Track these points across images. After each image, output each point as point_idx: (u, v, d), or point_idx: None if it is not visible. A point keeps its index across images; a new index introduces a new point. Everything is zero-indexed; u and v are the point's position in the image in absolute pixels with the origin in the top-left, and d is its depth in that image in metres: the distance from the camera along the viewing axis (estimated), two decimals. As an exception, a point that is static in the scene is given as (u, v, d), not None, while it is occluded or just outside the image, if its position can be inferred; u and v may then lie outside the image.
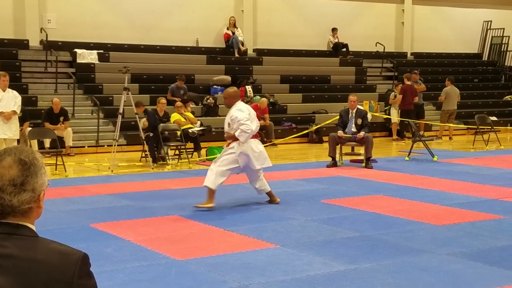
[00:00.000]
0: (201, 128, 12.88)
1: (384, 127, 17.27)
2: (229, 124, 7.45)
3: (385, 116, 16.36)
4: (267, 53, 18.66)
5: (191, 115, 13.32)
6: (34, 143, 11.90)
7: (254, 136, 7.59)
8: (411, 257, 5.38)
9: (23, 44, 15.55)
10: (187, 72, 16.15)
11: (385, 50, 20.05)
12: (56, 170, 10.58)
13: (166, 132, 12.08)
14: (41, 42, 15.80)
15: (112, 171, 10.53)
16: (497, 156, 12.88)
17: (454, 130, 17.34)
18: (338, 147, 11.33)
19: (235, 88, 7.98)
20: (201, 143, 12.56)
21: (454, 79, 16.84)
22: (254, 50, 18.74)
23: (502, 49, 22.82)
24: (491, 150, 13.94)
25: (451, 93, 16.40)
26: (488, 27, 22.81)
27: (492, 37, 22.96)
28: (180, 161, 11.97)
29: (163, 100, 12.56)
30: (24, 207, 1.73)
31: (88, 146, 13.63)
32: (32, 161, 1.75)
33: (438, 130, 16.89)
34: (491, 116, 16.64)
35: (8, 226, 1.73)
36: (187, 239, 6.06)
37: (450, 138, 16.48)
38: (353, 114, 11.36)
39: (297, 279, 4.78)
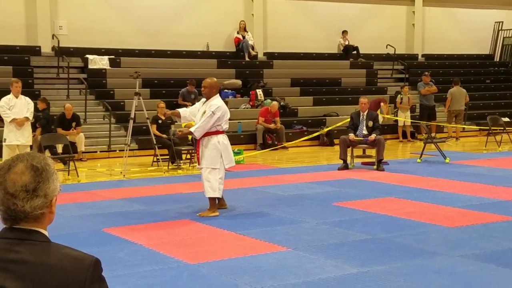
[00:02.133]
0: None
1: (395, 129, 17.21)
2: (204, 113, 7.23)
3: (395, 118, 16.34)
4: (278, 56, 18.67)
5: (202, 119, 13.34)
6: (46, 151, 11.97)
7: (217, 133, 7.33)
8: (423, 259, 5.36)
9: (35, 51, 15.67)
10: (197, 77, 16.15)
11: (396, 52, 20.00)
12: (68, 175, 10.65)
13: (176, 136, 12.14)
14: (53, 48, 15.92)
15: (124, 175, 10.57)
16: (509, 157, 12.80)
17: (467, 131, 17.30)
18: (349, 149, 11.31)
19: (215, 79, 7.67)
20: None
21: (459, 81, 16.86)
22: (265, 54, 18.75)
23: (514, 50, 22.70)
24: (504, 151, 13.86)
25: (456, 94, 16.51)
26: (500, 28, 22.68)
27: (503, 37, 22.82)
28: (191, 165, 12.00)
29: (162, 104, 12.68)
30: (36, 213, 1.75)
31: (100, 151, 13.70)
32: (44, 167, 1.77)
33: (448, 132, 16.94)
34: (504, 117, 16.57)
35: (20, 231, 1.75)
36: (199, 243, 6.07)
37: (457, 139, 16.44)
38: (364, 117, 11.34)
39: (309, 282, 4.77)
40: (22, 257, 1.71)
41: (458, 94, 16.54)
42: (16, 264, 1.71)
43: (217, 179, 7.24)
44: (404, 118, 16.22)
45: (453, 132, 16.77)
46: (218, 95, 7.51)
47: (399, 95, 16.54)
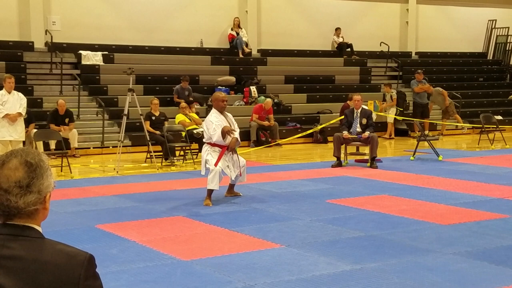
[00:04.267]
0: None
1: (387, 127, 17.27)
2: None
3: (386, 115, 16.32)
4: (271, 53, 18.66)
5: (195, 116, 13.35)
6: (40, 144, 11.94)
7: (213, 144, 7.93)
8: (416, 256, 5.37)
9: (28, 46, 15.60)
10: (191, 73, 16.17)
11: (390, 50, 20.03)
12: (61, 171, 10.61)
13: (170, 133, 12.14)
14: (46, 44, 15.85)
15: (117, 172, 10.55)
16: (502, 155, 12.84)
17: (459, 129, 17.42)
18: (343, 147, 11.32)
19: (217, 93, 8.42)
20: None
21: (427, 82, 17.17)
22: (258, 51, 18.74)
23: (507, 48, 22.76)
24: (497, 149, 13.91)
25: (435, 97, 16.97)
26: (493, 26, 22.76)
27: (496, 36, 22.90)
28: (185, 161, 11.99)
29: (155, 101, 12.67)
30: (30, 209, 1.74)
31: (93, 148, 13.66)
32: (38, 163, 1.76)
33: (439, 130, 17.23)
34: (496, 115, 16.65)
35: (14, 227, 1.74)
36: (192, 239, 6.07)
37: (442, 134, 16.71)
38: (358, 114, 11.34)
39: (303, 279, 4.78)
40: (15, 253, 1.70)
41: (435, 95, 16.91)
42: (9, 260, 1.70)
43: (210, 176, 7.70)
44: (388, 115, 16.22)
45: (445, 130, 16.97)
46: (213, 109, 8.05)
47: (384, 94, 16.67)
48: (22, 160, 1.75)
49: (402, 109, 16.62)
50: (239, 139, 8.00)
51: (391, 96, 16.50)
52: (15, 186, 1.72)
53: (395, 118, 16.31)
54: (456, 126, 17.36)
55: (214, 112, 7.96)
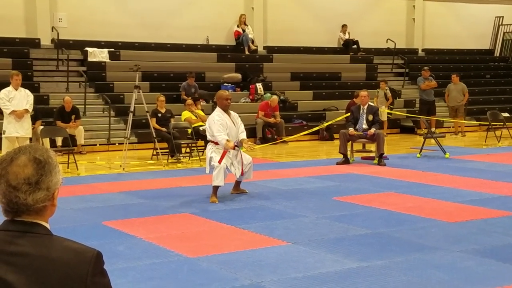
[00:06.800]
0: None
1: (395, 124, 17.22)
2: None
3: (387, 111, 16.22)
4: (277, 50, 18.63)
5: (201, 113, 13.35)
6: (46, 141, 11.97)
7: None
8: (423, 254, 5.36)
9: (34, 43, 15.63)
10: (197, 70, 16.17)
11: (396, 47, 19.96)
12: (68, 168, 10.64)
13: (176, 130, 12.15)
14: (53, 40, 15.87)
15: (123, 169, 10.56)
16: (509, 152, 12.79)
17: (466, 126, 17.29)
18: (349, 144, 11.29)
19: (221, 91, 8.55)
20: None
21: (457, 75, 16.90)
22: (264, 48, 18.72)
23: (514, 45, 22.68)
24: (504, 147, 13.87)
25: (452, 90, 16.58)
26: (500, 23, 22.65)
27: (504, 32, 22.80)
28: (191, 158, 11.99)
29: (162, 98, 12.67)
30: (38, 206, 1.73)
31: (99, 144, 13.69)
32: (46, 160, 1.76)
33: (449, 127, 16.96)
34: (503, 112, 16.60)
35: (22, 224, 1.74)
36: (199, 236, 6.07)
37: (462, 134, 16.47)
38: (364, 110, 11.31)
39: (309, 276, 4.77)
40: (23, 249, 1.70)
41: (454, 90, 16.63)
42: (17, 257, 1.70)
43: (214, 173, 7.73)
44: (385, 110, 16.08)
45: (458, 127, 16.81)
46: (217, 107, 8.09)
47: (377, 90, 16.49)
48: (30, 157, 1.74)
49: (392, 106, 16.55)
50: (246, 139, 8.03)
51: (385, 93, 16.28)
52: (24, 183, 1.71)
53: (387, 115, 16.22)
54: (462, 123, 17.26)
55: (217, 111, 7.97)
